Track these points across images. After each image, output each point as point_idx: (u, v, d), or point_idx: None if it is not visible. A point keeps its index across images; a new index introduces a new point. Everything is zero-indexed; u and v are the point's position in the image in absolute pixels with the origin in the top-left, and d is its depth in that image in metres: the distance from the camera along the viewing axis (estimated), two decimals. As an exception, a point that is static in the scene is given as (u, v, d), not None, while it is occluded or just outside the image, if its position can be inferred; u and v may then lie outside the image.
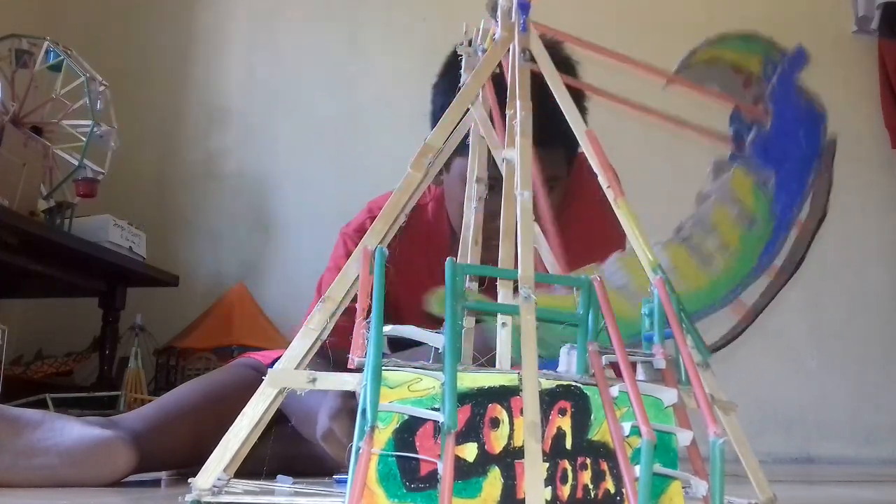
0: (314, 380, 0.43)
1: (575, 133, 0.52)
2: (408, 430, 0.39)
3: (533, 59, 0.53)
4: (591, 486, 0.42)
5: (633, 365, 0.45)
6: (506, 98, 0.51)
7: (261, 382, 0.44)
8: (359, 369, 0.41)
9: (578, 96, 0.78)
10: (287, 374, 0.44)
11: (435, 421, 0.39)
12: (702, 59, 0.58)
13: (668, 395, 0.43)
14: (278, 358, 0.45)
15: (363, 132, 2.78)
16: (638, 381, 0.42)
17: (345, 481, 0.47)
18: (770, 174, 0.51)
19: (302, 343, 0.45)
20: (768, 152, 0.50)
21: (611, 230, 0.58)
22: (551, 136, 0.82)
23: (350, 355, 0.41)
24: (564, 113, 0.52)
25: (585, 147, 0.51)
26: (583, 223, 0.90)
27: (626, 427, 0.41)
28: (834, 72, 2.68)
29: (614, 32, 2.78)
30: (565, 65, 0.51)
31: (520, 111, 0.49)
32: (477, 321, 0.52)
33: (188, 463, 1.02)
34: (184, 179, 2.84)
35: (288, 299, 2.59)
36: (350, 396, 0.78)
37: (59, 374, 2.37)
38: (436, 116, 0.96)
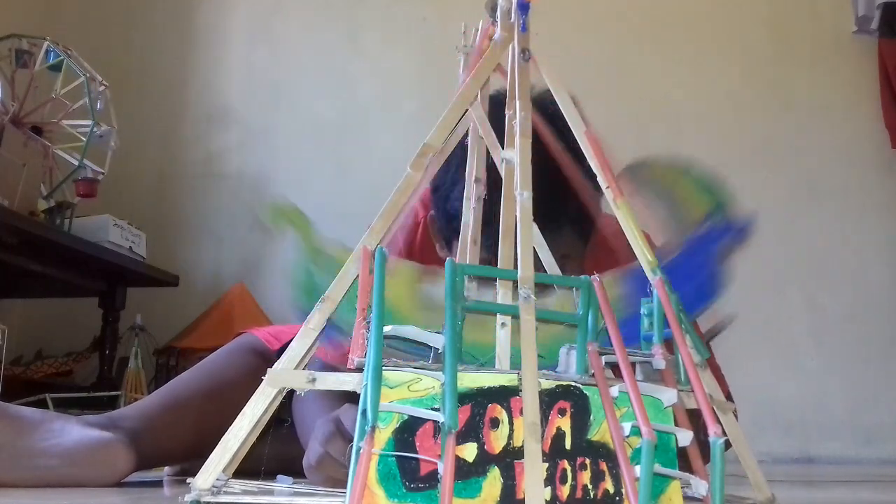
0: (314, 380, 0.43)
1: (575, 134, 0.52)
2: (408, 430, 0.39)
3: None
4: (590, 487, 0.42)
5: (633, 365, 0.45)
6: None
7: (263, 370, 0.44)
8: (359, 369, 0.41)
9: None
10: (287, 374, 0.44)
11: (435, 421, 0.39)
12: (659, 175, 0.58)
13: (668, 395, 0.43)
14: (284, 345, 0.45)
15: (363, 132, 2.78)
16: (637, 382, 0.42)
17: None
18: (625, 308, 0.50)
19: (302, 343, 0.45)
20: (645, 283, 0.50)
21: None
22: (557, 219, 0.82)
23: (350, 355, 0.41)
24: (564, 113, 0.52)
25: (585, 147, 0.51)
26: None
27: (626, 427, 0.41)
28: (834, 72, 2.68)
29: (614, 32, 2.78)
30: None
31: (519, 111, 0.49)
32: None
33: (190, 457, 1.02)
34: (184, 179, 2.84)
35: (288, 299, 2.58)
36: (341, 425, 0.78)
37: (59, 374, 2.38)
38: (433, 197, 0.94)
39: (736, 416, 0.49)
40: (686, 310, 0.48)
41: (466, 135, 0.60)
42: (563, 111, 0.52)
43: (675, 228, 0.55)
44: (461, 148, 0.59)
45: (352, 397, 0.44)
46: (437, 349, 0.42)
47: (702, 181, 0.56)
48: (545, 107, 0.55)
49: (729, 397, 0.93)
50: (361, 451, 0.37)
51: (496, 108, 0.56)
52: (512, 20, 0.52)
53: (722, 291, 0.52)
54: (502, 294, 0.47)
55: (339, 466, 0.75)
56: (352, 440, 0.43)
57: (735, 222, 0.54)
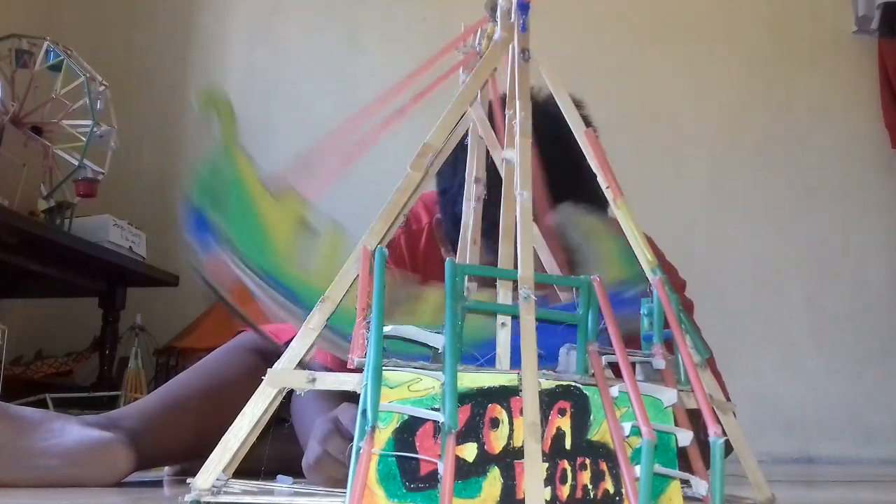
0: (314, 380, 0.43)
1: (575, 134, 0.52)
2: (408, 430, 0.39)
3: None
4: (590, 487, 0.42)
5: (633, 365, 0.45)
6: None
7: (263, 369, 0.44)
8: (359, 369, 0.41)
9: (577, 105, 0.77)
10: (287, 374, 0.44)
11: (435, 421, 0.39)
12: (591, 226, 0.57)
13: (668, 395, 0.43)
14: (284, 344, 0.45)
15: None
16: (637, 381, 0.42)
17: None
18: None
19: (301, 343, 0.45)
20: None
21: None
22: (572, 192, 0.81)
23: (350, 356, 0.41)
24: (564, 114, 0.52)
25: (584, 147, 0.51)
26: None
27: (626, 427, 0.41)
28: (834, 72, 2.68)
29: (614, 32, 2.78)
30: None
31: (519, 111, 0.49)
32: None
33: (190, 457, 1.02)
34: (184, 179, 2.84)
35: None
36: (340, 425, 0.78)
37: (59, 374, 2.38)
38: (440, 200, 0.93)
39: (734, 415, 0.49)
40: (550, 359, 0.47)
41: (466, 135, 0.60)
42: (563, 111, 0.52)
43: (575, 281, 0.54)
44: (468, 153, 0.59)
45: (350, 396, 0.44)
46: (437, 349, 0.42)
47: (629, 251, 0.56)
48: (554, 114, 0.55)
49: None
50: (361, 451, 0.37)
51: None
52: (512, 20, 0.52)
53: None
54: (502, 294, 0.47)
55: (338, 465, 0.75)
56: (350, 439, 0.43)
57: (637, 297, 0.52)
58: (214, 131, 0.49)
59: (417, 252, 1.05)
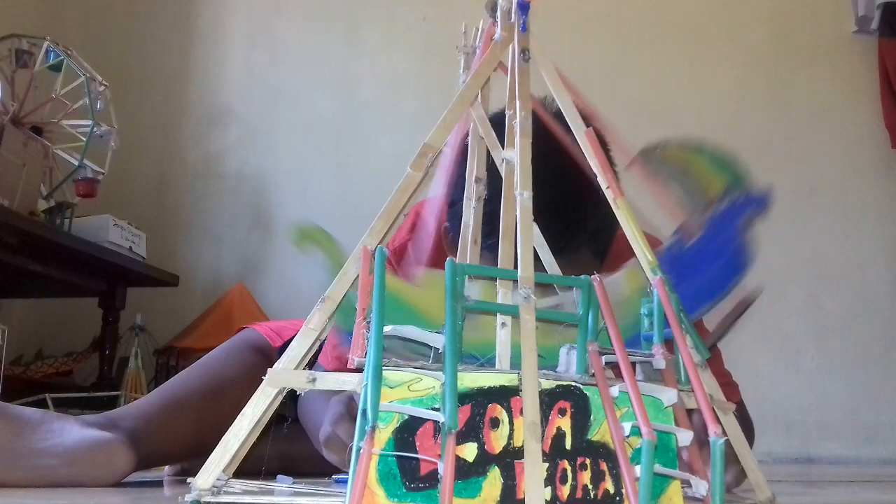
0: (314, 380, 0.43)
1: (575, 135, 0.52)
2: (408, 430, 0.39)
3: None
4: (590, 487, 0.42)
5: (633, 365, 0.45)
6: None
7: (263, 368, 0.44)
8: (359, 369, 0.41)
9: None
10: (287, 374, 0.44)
11: (435, 421, 0.39)
12: (673, 156, 0.58)
13: (668, 395, 0.43)
14: (285, 342, 0.46)
15: (363, 132, 2.78)
16: (637, 381, 0.42)
17: (345, 481, 0.47)
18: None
19: (302, 343, 0.45)
20: (674, 265, 0.50)
21: None
22: (574, 244, 0.81)
23: (350, 355, 0.41)
24: (564, 113, 0.52)
25: (585, 147, 0.51)
26: None
27: (627, 427, 0.41)
28: (834, 72, 2.68)
29: (614, 32, 2.78)
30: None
31: (519, 111, 0.49)
32: None
33: (190, 457, 1.02)
34: (184, 179, 2.84)
35: (288, 299, 2.59)
36: (353, 405, 0.78)
37: (59, 374, 2.38)
38: (449, 212, 0.93)
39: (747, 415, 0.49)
40: (720, 284, 0.48)
41: (467, 135, 0.60)
42: (563, 111, 0.52)
43: (695, 207, 0.56)
44: None
45: None
46: (438, 349, 0.42)
47: (716, 158, 0.57)
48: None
49: (742, 407, 0.92)
50: (361, 451, 0.37)
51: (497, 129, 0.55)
52: (512, 20, 0.52)
53: (751, 263, 0.52)
54: (502, 294, 0.47)
55: (344, 449, 0.75)
56: None
57: (753, 194, 0.55)
58: (322, 262, 0.49)
59: (440, 255, 1.05)
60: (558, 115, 0.54)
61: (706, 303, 0.51)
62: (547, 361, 0.46)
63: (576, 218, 0.68)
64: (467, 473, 0.40)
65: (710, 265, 0.49)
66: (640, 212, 0.50)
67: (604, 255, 0.90)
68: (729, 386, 0.96)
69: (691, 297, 0.51)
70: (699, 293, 0.51)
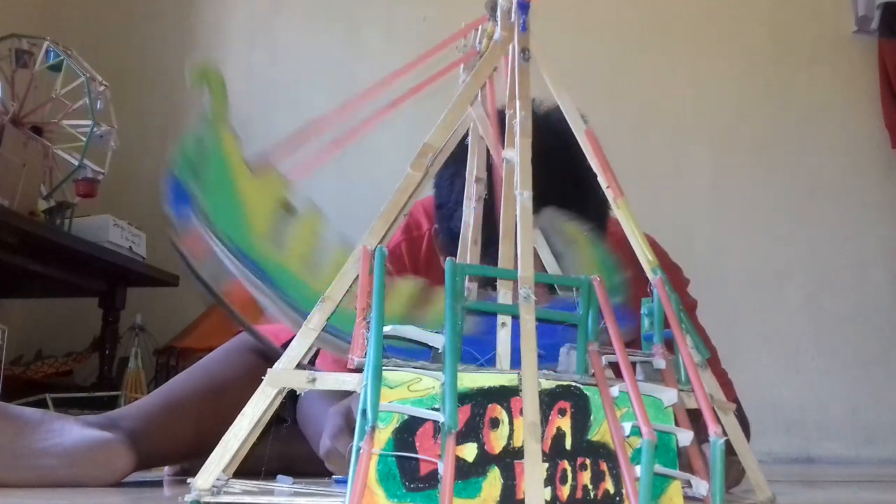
0: (314, 380, 0.43)
1: (575, 134, 0.52)
2: (407, 430, 0.39)
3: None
4: (590, 487, 0.42)
5: (633, 365, 0.45)
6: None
7: (263, 369, 0.44)
8: (359, 369, 0.41)
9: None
10: (287, 374, 0.44)
11: (435, 421, 0.39)
12: (574, 237, 0.58)
13: (668, 395, 0.43)
14: (283, 344, 0.46)
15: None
16: (638, 381, 0.42)
17: (344, 481, 0.47)
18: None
19: (301, 343, 0.45)
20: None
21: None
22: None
23: (350, 355, 0.41)
24: (564, 113, 0.52)
25: (585, 147, 0.51)
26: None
27: (627, 427, 0.41)
28: (834, 72, 2.68)
29: (614, 32, 2.78)
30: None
31: (519, 111, 0.49)
32: None
33: (190, 457, 1.02)
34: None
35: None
36: (351, 416, 0.79)
37: (59, 374, 2.37)
38: (436, 214, 0.93)
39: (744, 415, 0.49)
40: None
41: (466, 135, 0.60)
42: (563, 111, 0.52)
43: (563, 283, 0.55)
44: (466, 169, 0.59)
45: None
46: (437, 349, 0.42)
47: (609, 258, 0.56)
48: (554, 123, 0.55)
49: (739, 406, 0.92)
50: (361, 451, 0.37)
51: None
52: (512, 20, 0.52)
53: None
54: (502, 294, 0.47)
55: (345, 462, 0.75)
56: None
57: (618, 307, 0.52)
58: (204, 104, 0.50)
59: (419, 258, 1.05)
60: (546, 118, 0.54)
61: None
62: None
63: (578, 182, 0.67)
64: (467, 473, 0.40)
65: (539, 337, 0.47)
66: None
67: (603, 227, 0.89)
68: (725, 385, 0.96)
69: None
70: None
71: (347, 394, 0.43)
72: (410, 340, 0.43)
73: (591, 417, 0.43)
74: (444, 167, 0.78)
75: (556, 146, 0.56)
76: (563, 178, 0.67)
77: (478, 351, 0.46)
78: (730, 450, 0.43)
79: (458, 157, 0.59)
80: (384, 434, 0.39)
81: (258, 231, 0.48)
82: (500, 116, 0.54)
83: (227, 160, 0.49)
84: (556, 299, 0.54)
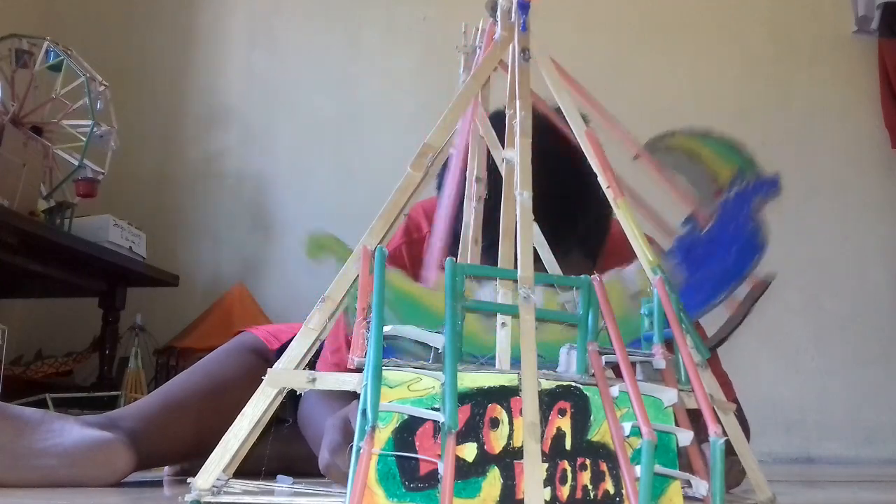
0: (314, 380, 0.43)
1: (575, 134, 0.52)
2: (407, 430, 0.39)
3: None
4: (590, 487, 0.42)
5: (633, 365, 0.45)
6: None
7: (262, 370, 0.44)
8: (359, 369, 0.41)
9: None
10: (287, 374, 0.44)
11: (434, 421, 0.39)
12: (680, 145, 0.58)
13: (668, 395, 0.43)
14: (283, 345, 0.46)
15: (363, 132, 2.78)
16: (638, 381, 0.42)
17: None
18: (681, 276, 0.51)
19: (302, 343, 0.45)
20: (690, 253, 0.51)
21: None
22: (565, 245, 0.81)
23: (350, 356, 0.41)
24: (564, 113, 0.52)
25: (585, 147, 0.51)
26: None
27: (627, 427, 0.41)
28: (834, 72, 2.68)
29: (614, 32, 2.78)
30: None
31: (519, 111, 0.49)
32: None
33: (189, 457, 1.02)
34: (184, 179, 2.84)
35: (288, 299, 2.59)
36: (350, 428, 0.78)
37: (59, 374, 2.37)
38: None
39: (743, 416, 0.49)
40: (739, 268, 0.49)
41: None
42: (563, 111, 0.52)
43: (704, 195, 0.56)
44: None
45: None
46: (438, 349, 0.42)
47: (722, 145, 0.57)
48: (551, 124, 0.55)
49: (738, 408, 0.92)
50: (361, 451, 0.37)
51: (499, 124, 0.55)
52: (512, 20, 0.52)
53: (766, 245, 0.53)
54: (502, 294, 0.47)
55: (345, 477, 0.75)
56: None
57: (762, 179, 0.55)
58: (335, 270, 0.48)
59: (419, 260, 1.05)
60: (557, 111, 0.54)
61: (727, 286, 0.51)
62: (545, 360, 0.46)
63: (565, 221, 0.68)
64: (467, 473, 0.40)
65: (726, 250, 0.50)
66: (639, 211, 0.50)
67: (595, 256, 0.90)
68: (725, 386, 0.96)
69: (712, 281, 0.51)
70: (719, 277, 0.51)
71: (349, 395, 0.43)
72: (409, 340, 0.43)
73: (591, 417, 0.43)
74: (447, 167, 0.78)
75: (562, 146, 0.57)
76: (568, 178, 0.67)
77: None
78: (730, 450, 0.43)
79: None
80: (384, 434, 0.39)
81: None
82: (497, 118, 0.54)
83: (406, 293, 0.47)
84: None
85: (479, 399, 0.41)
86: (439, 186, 0.89)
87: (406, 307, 0.45)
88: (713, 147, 0.57)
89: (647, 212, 0.58)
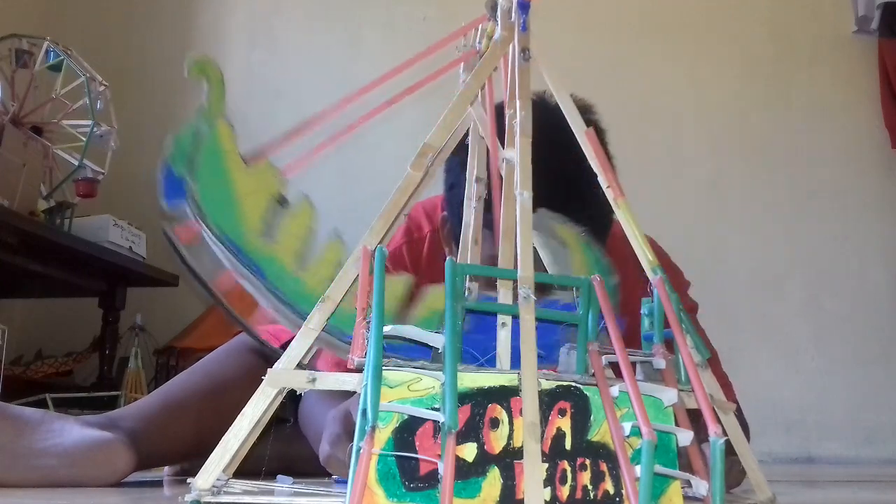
0: (314, 380, 0.43)
1: (575, 134, 0.52)
2: (407, 430, 0.39)
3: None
4: (590, 487, 0.42)
5: (633, 365, 0.45)
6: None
7: (262, 369, 0.44)
8: (359, 369, 0.41)
9: (587, 109, 0.76)
10: (287, 374, 0.44)
11: (434, 421, 0.39)
12: (561, 230, 0.58)
13: (668, 395, 0.43)
14: (283, 344, 0.46)
15: (363, 132, 2.77)
16: (638, 381, 0.42)
17: (344, 481, 0.47)
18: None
19: (302, 343, 0.45)
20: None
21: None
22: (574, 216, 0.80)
23: (350, 356, 0.41)
24: (565, 113, 0.52)
25: (585, 147, 0.51)
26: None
27: (627, 427, 0.41)
28: (834, 72, 2.68)
29: (614, 32, 2.78)
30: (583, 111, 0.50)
31: (520, 111, 0.49)
32: None
33: (190, 457, 1.02)
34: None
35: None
36: (350, 421, 0.79)
37: (59, 374, 2.37)
38: (447, 195, 0.92)
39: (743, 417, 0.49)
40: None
41: (467, 135, 0.60)
42: (563, 111, 0.52)
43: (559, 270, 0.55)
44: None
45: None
46: (437, 349, 0.42)
47: (598, 261, 0.56)
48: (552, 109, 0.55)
49: (738, 409, 0.92)
50: (361, 450, 0.37)
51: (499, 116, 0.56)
52: (512, 20, 0.52)
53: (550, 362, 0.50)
54: (502, 294, 0.47)
55: (345, 468, 0.76)
56: None
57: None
58: (202, 97, 0.50)
59: (420, 260, 1.05)
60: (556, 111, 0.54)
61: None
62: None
63: (576, 198, 0.67)
64: (467, 473, 0.40)
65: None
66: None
67: (605, 236, 0.90)
68: (725, 387, 0.96)
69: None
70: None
71: (349, 394, 0.43)
72: (410, 340, 0.43)
73: (591, 417, 0.43)
74: (454, 153, 0.78)
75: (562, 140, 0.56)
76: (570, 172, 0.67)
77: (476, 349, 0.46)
78: (730, 450, 0.43)
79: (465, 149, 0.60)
80: (384, 434, 0.39)
81: (250, 223, 0.49)
82: (499, 111, 0.54)
83: (222, 152, 0.49)
84: (548, 300, 0.53)
85: (479, 399, 0.41)
86: (450, 186, 0.89)
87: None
88: (591, 256, 0.56)
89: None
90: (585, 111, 0.59)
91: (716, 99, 2.70)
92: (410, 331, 0.42)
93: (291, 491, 0.48)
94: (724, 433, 0.42)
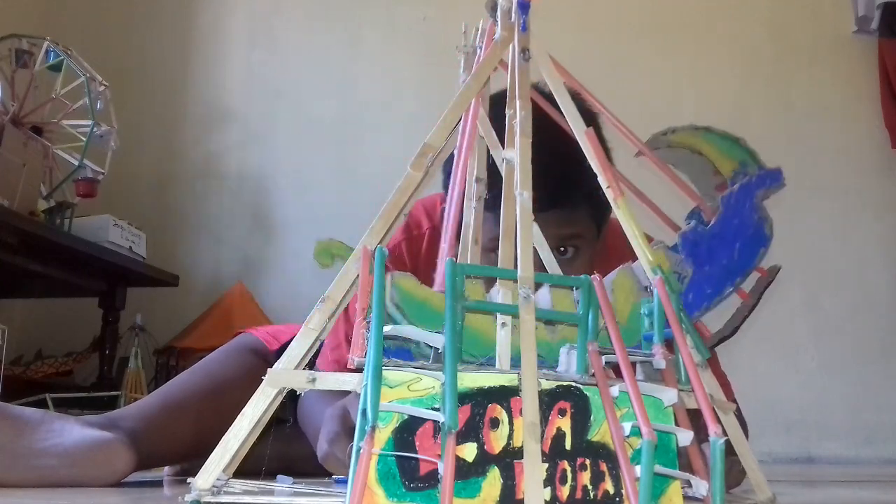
0: (314, 380, 0.43)
1: (575, 135, 0.52)
2: (407, 430, 0.39)
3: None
4: (590, 487, 0.42)
5: (633, 365, 0.45)
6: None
7: (262, 370, 0.44)
8: (359, 369, 0.41)
9: (592, 117, 0.77)
10: (287, 374, 0.44)
11: (434, 421, 0.39)
12: (681, 141, 0.59)
13: (668, 395, 0.43)
14: (282, 345, 0.46)
15: (363, 132, 2.78)
16: (638, 381, 0.42)
17: (345, 481, 0.47)
18: (688, 270, 0.51)
19: (302, 343, 0.45)
20: (696, 248, 0.51)
21: None
22: (572, 196, 0.81)
23: (350, 356, 0.41)
24: (565, 114, 0.52)
25: (585, 147, 0.51)
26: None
27: (627, 427, 0.41)
28: (834, 72, 2.68)
29: (614, 32, 2.78)
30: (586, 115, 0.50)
31: (519, 111, 0.49)
32: None
33: (189, 457, 1.02)
34: (184, 179, 2.84)
35: (288, 299, 2.59)
36: (348, 418, 0.79)
37: (59, 374, 2.37)
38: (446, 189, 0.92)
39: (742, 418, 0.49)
40: (747, 260, 0.50)
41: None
42: (563, 110, 0.52)
43: (709, 189, 0.57)
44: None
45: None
46: (438, 349, 0.42)
47: (724, 138, 0.58)
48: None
49: (738, 410, 0.92)
50: (361, 450, 0.37)
51: (496, 107, 0.56)
52: (512, 20, 0.52)
53: (772, 237, 0.54)
54: (502, 294, 0.47)
55: (343, 466, 0.76)
56: None
57: (765, 170, 0.56)
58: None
59: (419, 257, 1.05)
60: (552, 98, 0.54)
61: (733, 280, 0.52)
62: (547, 359, 0.46)
63: (574, 169, 0.67)
64: (467, 473, 0.40)
65: (731, 244, 0.51)
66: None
67: (600, 226, 0.90)
68: (724, 387, 0.96)
69: (719, 276, 0.52)
70: (725, 271, 0.52)
71: (347, 392, 0.43)
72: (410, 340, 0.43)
73: (591, 418, 0.43)
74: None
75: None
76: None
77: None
78: (730, 450, 0.43)
79: None
80: (384, 434, 0.39)
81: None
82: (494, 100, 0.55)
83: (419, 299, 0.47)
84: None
85: (479, 399, 0.41)
86: (445, 186, 0.89)
87: (415, 310, 0.45)
88: (714, 142, 0.58)
89: (651, 208, 0.58)
90: (590, 121, 0.59)
91: (716, 99, 2.70)
92: (410, 331, 0.42)
93: (291, 491, 0.48)
94: (724, 433, 0.42)
